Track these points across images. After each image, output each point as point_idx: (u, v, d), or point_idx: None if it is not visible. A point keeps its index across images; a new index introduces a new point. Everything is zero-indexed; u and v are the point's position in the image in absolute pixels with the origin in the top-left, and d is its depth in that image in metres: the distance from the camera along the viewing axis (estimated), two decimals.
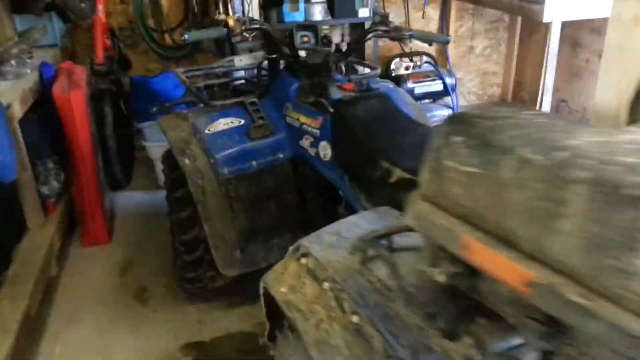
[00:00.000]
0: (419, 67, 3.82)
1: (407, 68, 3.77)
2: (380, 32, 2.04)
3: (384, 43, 3.92)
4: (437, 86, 3.77)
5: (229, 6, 3.06)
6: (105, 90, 2.93)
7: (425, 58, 3.81)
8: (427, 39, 2.00)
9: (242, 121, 2.00)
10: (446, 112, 3.86)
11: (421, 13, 4.00)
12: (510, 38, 4.41)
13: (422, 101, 3.73)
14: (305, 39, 2.02)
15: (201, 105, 2.14)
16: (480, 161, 0.77)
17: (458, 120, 0.83)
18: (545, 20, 3.01)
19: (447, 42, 2.01)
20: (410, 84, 3.68)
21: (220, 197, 1.94)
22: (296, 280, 1.14)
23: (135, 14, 3.38)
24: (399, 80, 3.63)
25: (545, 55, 3.16)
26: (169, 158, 2.08)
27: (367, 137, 1.64)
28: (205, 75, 2.25)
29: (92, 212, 2.66)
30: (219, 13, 3.09)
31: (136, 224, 2.93)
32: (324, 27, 2.08)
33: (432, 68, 3.80)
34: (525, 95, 4.42)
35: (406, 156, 1.51)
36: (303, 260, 1.17)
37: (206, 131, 1.96)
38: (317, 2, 3.34)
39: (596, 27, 3.49)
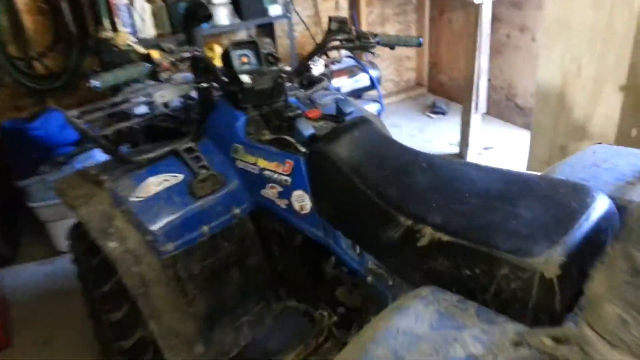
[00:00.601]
0: (339, 62, 3.47)
1: (326, 65, 3.40)
2: (340, 43, 1.66)
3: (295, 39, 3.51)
4: (363, 81, 3.45)
5: (115, 20, 2.47)
6: None
7: (343, 52, 3.46)
8: (396, 43, 1.66)
9: (180, 176, 1.51)
10: (374, 107, 3.57)
11: (332, 2, 3.64)
12: (419, 19, 4.21)
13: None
14: (245, 59, 1.56)
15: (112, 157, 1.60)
16: None
17: None
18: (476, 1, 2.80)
19: (420, 45, 1.69)
20: (336, 83, 3.31)
21: (167, 282, 1.45)
22: None
23: None
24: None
25: (477, 37, 2.95)
26: (81, 239, 1.54)
27: (365, 182, 1.23)
28: (110, 115, 1.70)
29: None
30: (104, 29, 2.49)
31: (38, 309, 2.29)
32: (265, 41, 1.61)
33: (353, 62, 3.48)
34: (443, 77, 4.26)
35: (431, 206, 1.12)
36: None
37: (133, 198, 1.44)
38: (220, 4, 2.84)
39: (516, 1, 3.37)
